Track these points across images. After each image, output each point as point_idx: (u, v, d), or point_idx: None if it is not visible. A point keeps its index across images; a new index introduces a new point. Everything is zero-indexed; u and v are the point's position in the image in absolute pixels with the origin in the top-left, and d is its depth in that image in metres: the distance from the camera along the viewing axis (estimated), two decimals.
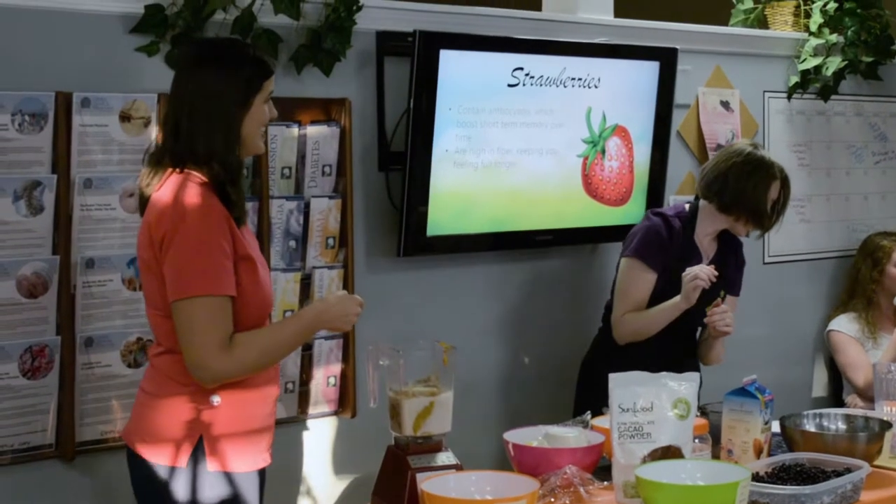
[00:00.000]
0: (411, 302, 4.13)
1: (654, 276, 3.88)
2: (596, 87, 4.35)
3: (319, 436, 3.97)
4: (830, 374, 5.31)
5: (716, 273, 3.72)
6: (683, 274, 3.72)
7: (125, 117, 3.47)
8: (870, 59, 5.21)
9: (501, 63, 4.12)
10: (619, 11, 4.69)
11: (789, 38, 5.13)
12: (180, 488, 2.76)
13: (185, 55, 3.06)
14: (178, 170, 2.79)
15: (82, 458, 3.45)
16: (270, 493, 3.00)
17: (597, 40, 4.43)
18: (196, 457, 2.76)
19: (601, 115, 4.38)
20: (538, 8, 4.65)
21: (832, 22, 5.13)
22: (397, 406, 3.09)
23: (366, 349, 3.22)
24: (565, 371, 4.28)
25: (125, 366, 3.50)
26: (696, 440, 2.96)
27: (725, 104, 4.93)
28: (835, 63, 5.11)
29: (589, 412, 3.29)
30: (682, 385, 2.82)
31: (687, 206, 4.01)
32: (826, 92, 5.21)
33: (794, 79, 5.13)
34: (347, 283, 3.88)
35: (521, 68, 4.15)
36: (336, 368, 3.91)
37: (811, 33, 5.12)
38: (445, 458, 3.10)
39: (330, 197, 3.87)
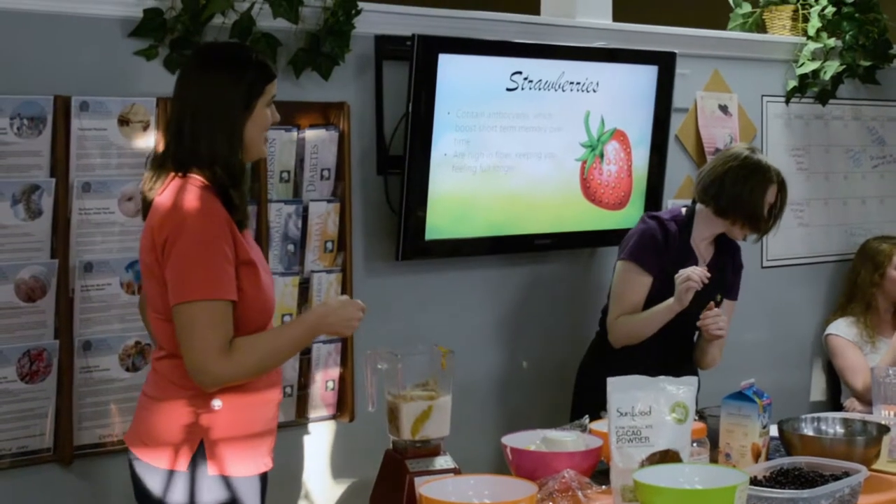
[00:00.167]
0: (410, 306, 4.13)
1: (650, 280, 3.88)
2: (594, 91, 4.35)
3: (318, 440, 3.97)
4: (828, 378, 5.31)
5: (708, 274, 3.72)
6: (676, 276, 3.72)
7: (124, 121, 3.47)
8: (868, 64, 5.21)
9: (500, 67, 4.12)
10: (618, 15, 4.69)
11: (787, 43, 5.14)
12: (181, 492, 2.76)
13: (188, 59, 3.06)
14: (180, 173, 2.79)
15: (80, 462, 3.45)
16: (269, 497, 3.00)
17: (595, 44, 4.43)
18: (197, 461, 2.76)
19: (599, 119, 4.39)
20: (537, 12, 4.65)
21: (830, 26, 5.13)
22: (395, 410, 3.09)
23: (364, 353, 3.22)
24: (563, 375, 4.28)
25: (123, 370, 3.50)
26: (695, 444, 2.96)
27: (724, 108, 4.94)
28: (833, 67, 5.11)
29: (587, 416, 3.29)
30: (681, 389, 2.82)
31: (684, 210, 4.01)
32: (824, 96, 5.21)
33: (793, 83, 5.14)
34: (346, 287, 3.88)
35: (520, 72, 4.16)
36: (334, 372, 3.91)
37: (809, 37, 5.13)
38: (444, 461, 3.10)
39: (328, 201, 3.88)
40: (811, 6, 5.15)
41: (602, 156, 4.41)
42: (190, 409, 2.77)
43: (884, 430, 3.26)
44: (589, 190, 4.41)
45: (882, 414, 3.49)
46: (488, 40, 4.13)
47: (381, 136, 4.03)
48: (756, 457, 3.14)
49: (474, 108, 4.06)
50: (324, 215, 3.86)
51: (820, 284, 5.33)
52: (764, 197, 3.86)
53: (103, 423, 3.47)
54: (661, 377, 2.86)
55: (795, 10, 5.17)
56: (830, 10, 5.12)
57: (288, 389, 3.79)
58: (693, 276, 3.69)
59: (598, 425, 3.21)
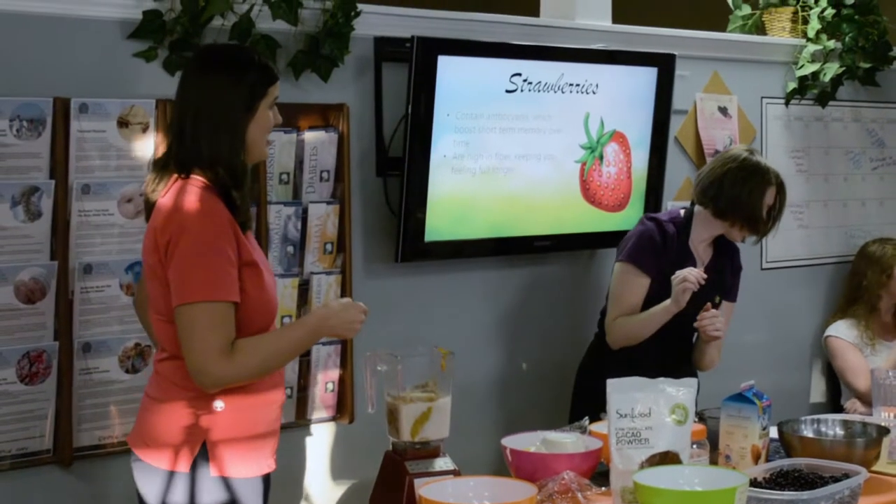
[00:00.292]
0: (409, 307, 4.13)
1: (648, 281, 3.88)
2: (594, 92, 4.35)
3: (317, 441, 3.97)
4: (828, 380, 5.31)
5: (704, 276, 3.72)
6: (672, 277, 3.72)
7: (123, 123, 3.47)
8: (867, 66, 5.21)
9: (499, 69, 4.12)
10: (617, 17, 4.69)
11: (787, 45, 5.14)
12: (183, 493, 2.76)
13: (189, 60, 3.06)
14: (183, 175, 2.79)
15: (80, 464, 3.45)
16: (268, 498, 3.00)
17: (595, 46, 4.43)
18: (199, 462, 2.76)
19: (599, 121, 4.39)
20: (536, 14, 4.65)
21: (830, 28, 5.14)
22: (395, 411, 3.09)
23: (364, 355, 3.22)
24: (563, 376, 4.28)
25: (123, 371, 3.50)
26: (694, 446, 2.96)
27: (723, 110, 4.94)
28: (832, 69, 5.12)
29: (587, 417, 3.29)
30: (680, 391, 2.82)
31: (682, 212, 4.01)
32: (824, 98, 5.21)
33: (792, 85, 5.14)
34: (345, 289, 3.88)
35: (519, 74, 4.16)
36: (334, 374, 3.91)
37: (809, 39, 5.13)
38: (443, 463, 3.10)
39: (328, 202, 3.88)
40: (811, 8, 5.16)
41: (601, 157, 4.41)
42: (192, 411, 2.77)
43: (883, 431, 3.26)
44: (588, 192, 4.41)
45: (882, 415, 3.49)
46: (488, 42, 4.13)
47: (380, 137, 4.03)
48: (756, 458, 3.14)
49: (474, 109, 4.06)
50: (323, 217, 3.86)
51: (820, 286, 5.33)
52: (763, 199, 3.86)
53: (103, 424, 3.47)
54: (661, 379, 2.87)
55: (795, 12, 5.18)
56: (830, 11, 5.12)
57: (288, 391, 3.79)
58: (689, 277, 3.69)
59: (597, 427, 3.21)
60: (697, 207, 3.96)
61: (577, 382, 4.16)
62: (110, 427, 3.48)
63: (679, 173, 4.78)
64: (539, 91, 4.21)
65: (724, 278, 3.99)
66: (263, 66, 2.87)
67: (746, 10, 5.23)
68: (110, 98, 3.44)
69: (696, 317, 3.79)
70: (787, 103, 5.17)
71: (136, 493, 2.86)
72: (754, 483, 2.86)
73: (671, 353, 3.89)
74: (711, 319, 3.77)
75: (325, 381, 3.89)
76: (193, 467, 2.76)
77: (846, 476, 2.93)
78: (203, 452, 2.77)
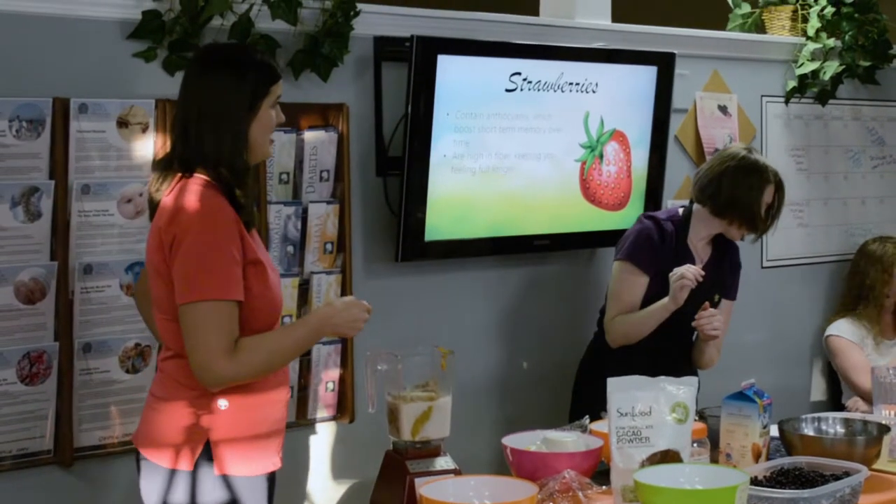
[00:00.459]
0: (409, 307, 4.13)
1: (646, 280, 3.88)
2: (594, 91, 4.35)
3: (318, 441, 3.97)
4: (828, 379, 5.31)
5: (702, 273, 3.72)
6: (670, 274, 3.72)
7: (123, 123, 3.47)
8: (867, 64, 5.21)
9: (499, 68, 4.12)
10: (617, 16, 4.69)
11: (787, 43, 5.14)
12: (188, 491, 2.77)
13: (192, 59, 3.07)
14: (187, 174, 2.79)
15: (80, 464, 3.45)
16: None
17: (594, 45, 4.43)
18: (203, 460, 2.77)
19: (599, 120, 4.39)
20: (536, 13, 4.65)
21: (830, 26, 5.13)
22: (396, 411, 3.09)
23: (364, 354, 3.22)
24: (563, 375, 4.28)
25: (123, 371, 3.50)
26: (695, 444, 2.96)
27: (723, 109, 4.94)
28: (832, 67, 5.11)
29: (587, 416, 3.29)
30: (681, 389, 2.82)
31: (681, 211, 4.01)
32: (824, 96, 5.21)
33: (792, 83, 5.14)
34: (346, 289, 3.88)
35: (519, 73, 4.16)
36: (334, 374, 3.91)
37: (809, 38, 5.13)
38: (444, 462, 3.10)
39: (328, 202, 3.88)
40: (810, 6, 5.15)
41: (601, 156, 4.41)
42: (196, 409, 2.78)
43: (884, 429, 3.26)
44: (588, 190, 4.41)
45: (882, 414, 3.49)
46: (487, 41, 4.13)
47: (380, 137, 4.03)
48: (756, 457, 3.13)
49: (473, 109, 4.06)
50: (323, 217, 3.86)
51: (820, 284, 5.33)
52: (761, 197, 3.86)
53: (103, 424, 3.47)
54: (661, 377, 2.86)
55: (795, 11, 5.17)
56: (830, 10, 5.12)
57: None
58: (687, 274, 3.69)
59: (598, 426, 3.21)
60: (696, 206, 3.96)
61: (578, 381, 4.16)
62: (111, 427, 3.48)
63: (679, 172, 4.78)
64: (539, 90, 4.21)
65: (723, 277, 3.99)
66: (265, 64, 2.87)
67: (746, 8, 5.23)
68: (110, 98, 3.44)
69: (695, 315, 3.78)
70: (786, 102, 5.17)
71: (139, 491, 2.87)
72: (755, 481, 2.86)
73: (671, 351, 3.89)
74: (709, 318, 3.77)
75: (325, 381, 3.89)
76: (197, 465, 2.77)
77: (847, 474, 2.93)
78: (207, 451, 2.77)
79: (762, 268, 5.10)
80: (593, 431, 3.19)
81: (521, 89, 4.17)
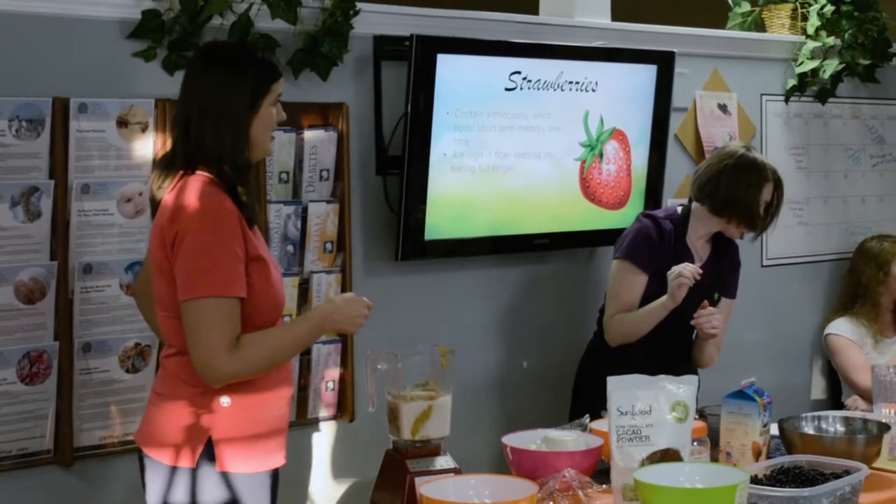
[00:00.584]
0: (409, 306, 4.13)
1: (645, 278, 3.88)
2: (593, 90, 4.35)
3: (318, 440, 3.97)
4: (828, 378, 5.31)
5: (700, 271, 3.72)
6: (668, 273, 3.72)
7: (122, 123, 3.47)
8: (867, 62, 5.21)
9: (499, 67, 4.12)
10: (617, 15, 4.69)
11: (786, 42, 5.14)
12: (191, 489, 2.77)
13: (193, 57, 3.07)
14: (188, 171, 2.79)
15: (81, 464, 3.45)
16: None
17: (594, 44, 4.43)
18: (206, 457, 2.77)
19: (599, 119, 4.39)
20: (535, 12, 4.65)
21: (829, 25, 5.13)
22: (396, 410, 3.09)
23: (364, 354, 3.22)
24: (563, 374, 4.28)
25: (123, 371, 3.50)
26: (695, 443, 2.96)
27: (723, 107, 4.93)
28: (832, 66, 5.11)
29: (587, 415, 3.29)
30: (681, 388, 2.82)
31: (679, 209, 4.01)
32: (823, 95, 5.21)
33: (792, 82, 5.14)
34: (346, 288, 3.88)
35: (519, 72, 4.16)
36: (334, 373, 3.91)
37: (808, 36, 5.13)
38: (444, 461, 3.10)
39: (328, 201, 3.87)
40: (810, 5, 5.15)
41: (601, 155, 4.41)
42: (198, 406, 2.78)
43: (884, 428, 3.26)
44: (588, 189, 4.41)
45: (882, 412, 3.49)
46: (487, 40, 4.13)
47: (380, 136, 4.03)
48: (757, 455, 3.13)
49: (473, 107, 4.06)
50: (323, 216, 3.86)
51: (820, 283, 5.33)
52: (760, 195, 3.86)
53: (103, 424, 3.47)
54: (662, 376, 2.86)
55: (794, 9, 5.17)
56: (829, 8, 5.12)
57: None
58: (685, 272, 3.69)
59: (598, 424, 3.21)
60: (695, 204, 3.96)
61: (578, 380, 4.16)
62: (111, 427, 3.48)
63: (679, 171, 4.78)
64: (538, 89, 4.21)
65: (722, 275, 3.99)
66: (266, 62, 2.88)
67: (746, 7, 5.23)
68: (109, 98, 3.44)
69: (694, 314, 3.79)
70: (786, 100, 5.17)
71: (143, 488, 2.87)
72: (755, 480, 2.86)
73: (671, 350, 3.89)
74: (708, 317, 3.77)
75: (325, 380, 3.89)
76: (199, 463, 2.77)
77: (847, 473, 2.93)
78: (209, 448, 2.77)
79: (762, 266, 5.10)
80: (593, 430, 3.19)
81: (521, 88, 4.17)
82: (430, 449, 3.11)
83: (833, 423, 3.36)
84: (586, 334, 4.22)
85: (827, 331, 5.14)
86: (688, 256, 3.90)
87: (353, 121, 3.94)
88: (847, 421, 3.36)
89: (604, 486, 2.93)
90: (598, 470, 3.03)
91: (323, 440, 3.98)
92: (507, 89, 4.14)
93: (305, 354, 3.82)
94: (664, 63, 4.52)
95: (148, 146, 3.50)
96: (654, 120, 4.53)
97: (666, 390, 2.80)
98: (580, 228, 4.42)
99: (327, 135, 3.87)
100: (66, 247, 3.38)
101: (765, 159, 3.93)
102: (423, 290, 4.17)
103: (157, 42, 3.54)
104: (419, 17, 4.07)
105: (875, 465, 3.17)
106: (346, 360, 3.91)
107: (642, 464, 2.75)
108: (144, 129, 3.50)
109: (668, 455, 2.77)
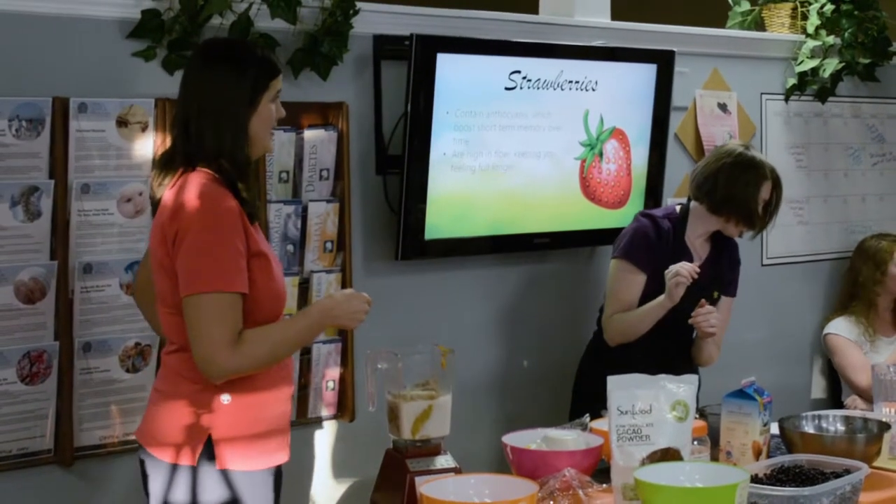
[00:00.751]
0: (409, 305, 4.13)
1: (643, 277, 3.88)
2: (593, 89, 4.35)
3: (318, 439, 3.97)
4: (828, 377, 5.31)
5: (697, 269, 3.72)
6: (666, 272, 3.72)
7: (122, 122, 3.47)
8: (867, 61, 5.21)
9: (498, 66, 4.12)
10: (616, 14, 4.69)
11: (786, 41, 5.13)
12: (192, 486, 2.77)
13: (192, 55, 3.07)
14: (189, 169, 2.80)
15: (81, 464, 3.45)
16: None
17: (594, 43, 4.43)
18: (206, 455, 2.77)
19: (598, 118, 4.39)
20: (535, 11, 4.65)
21: (829, 24, 5.13)
22: (396, 409, 3.09)
23: (364, 353, 3.22)
24: (563, 373, 4.28)
25: (123, 371, 3.50)
26: (695, 442, 2.96)
27: (723, 106, 4.93)
28: (832, 65, 5.11)
29: (588, 415, 3.29)
30: (681, 387, 2.82)
31: (678, 208, 4.01)
32: (823, 94, 5.21)
33: (792, 81, 5.14)
34: (346, 287, 3.88)
35: (519, 71, 4.16)
36: (335, 372, 3.91)
37: (808, 35, 5.12)
38: (444, 461, 3.10)
39: (328, 201, 3.87)
40: (810, 4, 5.15)
41: (601, 154, 4.41)
42: (199, 403, 2.78)
43: (884, 427, 3.26)
44: (588, 189, 4.41)
45: (883, 411, 3.49)
46: (487, 39, 4.13)
47: (379, 135, 4.03)
48: (757, 455, 3.13)
49: (473, 107, 4.06)
50: (323, 215, 3.86)
51: (820, 282, 5.33)
52: (758, 193, 3.86)
53: (104, 424, 3.47)
54: (662, 375, 2.86)
55: (794, 8, 5.17)
56: (829, 7, 5.12)
57: None
58: (682, 271, 3.69)
59: (598, 424, 3.21)
60: (693, 203, 3.96)
61: (578, 379, 4.16)
62: (111, 427, 3.48)
63: (679, 170, 4.78)
64: (538, 88, 4.21)
65: (721, 273, 3.99)
66: (265, 59, 2.88)
67: (746, 6, 5.23)
68: (109, 97, 3.44)
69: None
70: (786, 99, 5.17)
71: (143, 486, 2.87)
72: (755, 479, 2.86)
73: (671, 349, 3.89)
74: (706, 316, 3.77)
75: (325, 380, 3.89)
76: (199, 460, 2.77)
77: (847, 472, 2.93)
78: (209, 445, 2.77)
79: (762, 265, 5.10)
80: (593, 430, 3.19)
81: (521, 87, 4.17)
82: (430, 448, 3.11)
83: (833, 422, 3.36)
84: (586, 334, 4.22)
85: (826, 330, 5.14)
86: (686, 255, 3.90)
87: (353, 120, 3.94)
88: (847, 420, 3.36)
89: (604, 485, 2.93)
90: (599, 469, 3.03)
91: (323, 439, 3.98)
92: (507, 89, 4.14)
93: (306, 353, 3.82)
94: (664, 62, 4.52)
95: (148, 146, 3.50)
96: (653, 119, 4.53)
97: (666, 389, 2.80)
98: (580, 228, 4.42)
99: (327, 134, 3.87)
100: (66, 246, 3.38)
101: (763, 158, 3.93)
102: (422, 289, 4.17)
103: (157, 42, 3.54)
104: (419, 16, 4.08)
105: (875, 464, 3.17)
106: (346, 360, 3.91)
107: (642, 463, 2.75)
108: (144, 129, 3.50)
109: (669, 454, 2.77)
